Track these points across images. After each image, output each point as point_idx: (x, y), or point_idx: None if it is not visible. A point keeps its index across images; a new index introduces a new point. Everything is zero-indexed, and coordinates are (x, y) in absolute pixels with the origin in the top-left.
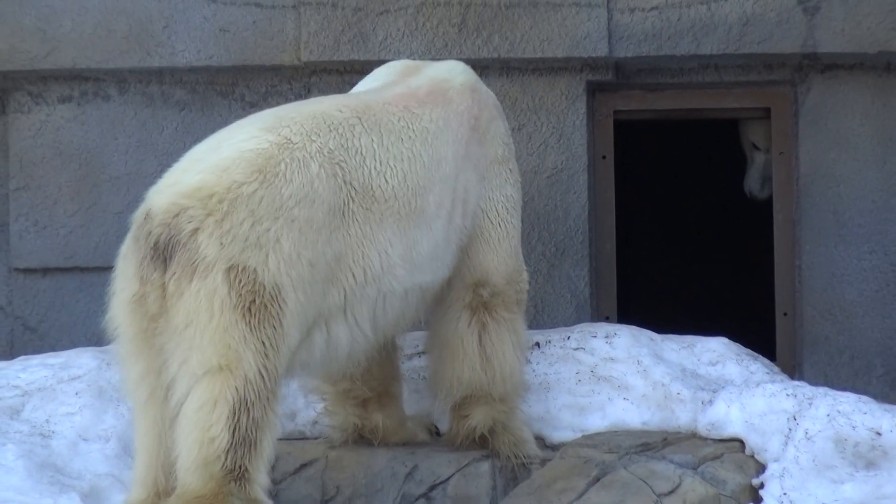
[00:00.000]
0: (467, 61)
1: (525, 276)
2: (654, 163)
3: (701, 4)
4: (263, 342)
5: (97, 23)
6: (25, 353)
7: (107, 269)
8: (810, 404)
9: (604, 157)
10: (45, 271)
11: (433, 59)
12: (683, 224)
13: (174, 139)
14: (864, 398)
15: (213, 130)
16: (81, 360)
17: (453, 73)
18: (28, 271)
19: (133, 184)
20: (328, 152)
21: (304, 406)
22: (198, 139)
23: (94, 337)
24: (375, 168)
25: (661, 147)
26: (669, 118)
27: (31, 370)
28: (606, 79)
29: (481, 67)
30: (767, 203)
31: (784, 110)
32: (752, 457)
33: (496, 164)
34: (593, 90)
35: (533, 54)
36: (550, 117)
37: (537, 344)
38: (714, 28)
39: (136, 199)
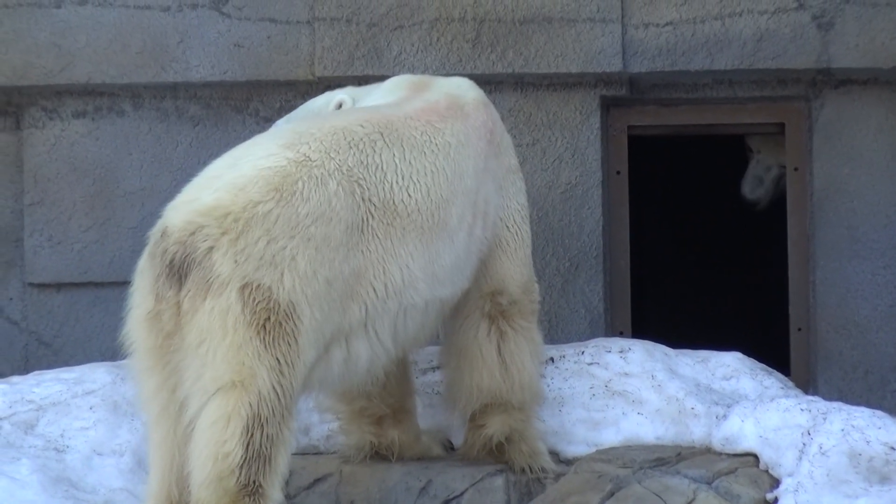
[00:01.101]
0: (481, 77)
1: (536, 286)
2: (668, 178)
3: (715, 20)
4: (278, 359)
5: (112, 38)
6: (40, 368)
7: (121, 283)
8: (824, 419)
9: (618, 173)
10: (60, 286)
11: (447, 74)
12: (698, 239)
13: (188, 154)
14: (879, 413)
15: (227, 146)
16: (96, 374)
17: (463, 88)
18: (42, 286)
19: (147, 199)
20: (347, 170)
21: (318, 421)
22: (212, 154)
23: (109, 352)
24: (397, 183)
25: (676, 162)
26: (684, 133)
27: (45, 385)
28: (621, 94)
29: (495, 83)
30: (781, 218)
31: (798, 126)
32: (767, 471)
33: (511, 174)
34: (607, 105)
35: (547, 69)
36: (565, 132)
37: (551, 359)
38: (728, 43)
39: (151, 215)
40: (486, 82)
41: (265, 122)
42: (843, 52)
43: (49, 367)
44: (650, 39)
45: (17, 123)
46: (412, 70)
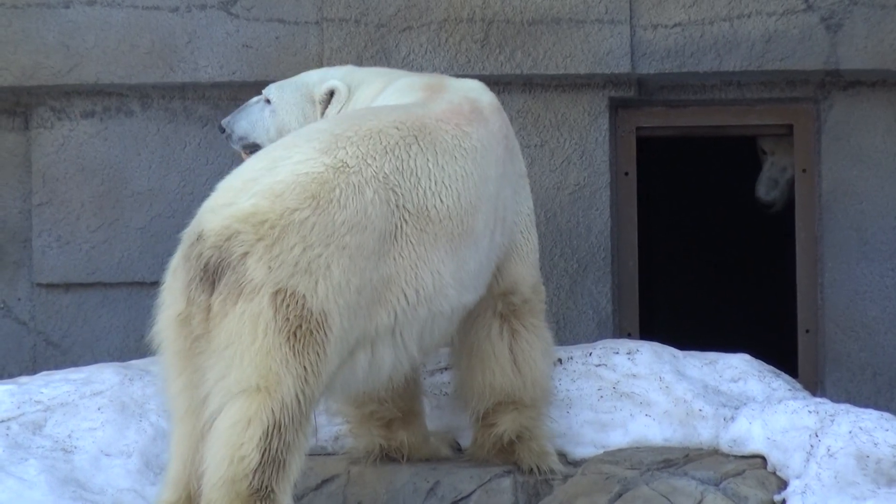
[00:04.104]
0: (490, 77)
1: (542, 287)
2: (676, 179)
3: (724, 21)
4: (305, 367)
5: (120, 38)
6: (48, 369)
7: (129, 284)
8: (832, 421)
9: (626, 174)
10: (68, 287)
11: (456, 76)
12: (706, 240)
13: (197, 155)
14: (887, 415)
15: None
16: (103, 375)
17: (477, 91)
18: (50, 286)
19: (155, 199)
20: (383, 177)
21: (327, 422)
22: (220, 155)
23: (117, 352)
24: (431, 189)
25: (684, 163)
26: (692, 135)
27: (53, 385)
28: (629, 95)
29: (504, 84)
30: (790, 219)
31: (807, 127)
32: (774, 473)
33: (521, 179)
34: (616, 107)
35: (556, 71)
36: (573, 133)
37: (559, 360)
38: (737, 45)
39: (159, 215)
40: (494, 83)
41: None
42: (852, 53)
43: (57, 367)
44: (659, 41)
45: (25, 123)
46: (420, 71)
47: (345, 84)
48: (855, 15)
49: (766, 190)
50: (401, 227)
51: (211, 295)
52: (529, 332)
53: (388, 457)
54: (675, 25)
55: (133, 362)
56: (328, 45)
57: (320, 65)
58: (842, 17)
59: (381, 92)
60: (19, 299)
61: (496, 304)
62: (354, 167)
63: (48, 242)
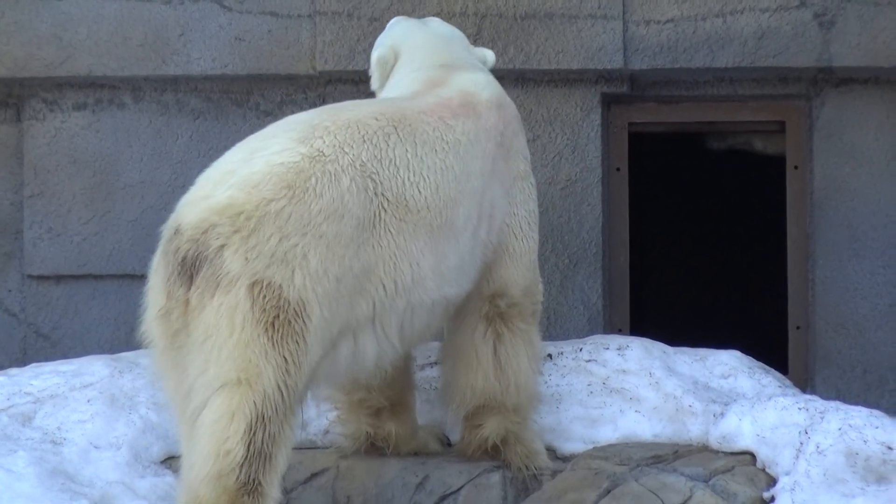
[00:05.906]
0: None
1: (540, 287)
2: (668, 175)
3: (716, 17)
4: (285, 358)
5: (113, 30)
6: (38, 360)
7: (120, 276)
8: (822, 418)
9: (618, 169)
10: (59, 278)
11: None
12: (697, 236)
13: (189, 147)
14: (876, 412)
15: (227, 139)
16: (94, 367)
17: (479, 86)
18: (41, 278)
19: (147, 192)
20: (360, 165)
21: (316, 415)
22: (212, 147)
23: (107, 344)
24: (409, 179)
25: (676, 159)
26: (684, 131)
27: (43, 377)
28: (621, 91)
29: (496, 78)
30: (781, 216)
31: (799, 124)
32: (763, 470)
33: (520, 180)
34: (608, 102)
35: (548, 66)
36: (565, 129)
37: (549, 355)
38: (729, 41)
39: (151, 207)
40: None
41: (266, 116)
42: (845, 50)
43: (47, 359)
44: (651, 36)
45: (17, 115)
46: None
47: (392, 52)
48: (848, 12)
49: None
50: (380, 215)
51: (189, 289)
52: (515, 337)
53: (374, 446)
54: (667, 21)
55: (123, 354)
56: (320, 39)
57: (312, 58)
58: (835, 14)
59: (392, 78)
60: (10, 291)
61: (482, 307)
62: (331, 156)
63: (39, 234)
